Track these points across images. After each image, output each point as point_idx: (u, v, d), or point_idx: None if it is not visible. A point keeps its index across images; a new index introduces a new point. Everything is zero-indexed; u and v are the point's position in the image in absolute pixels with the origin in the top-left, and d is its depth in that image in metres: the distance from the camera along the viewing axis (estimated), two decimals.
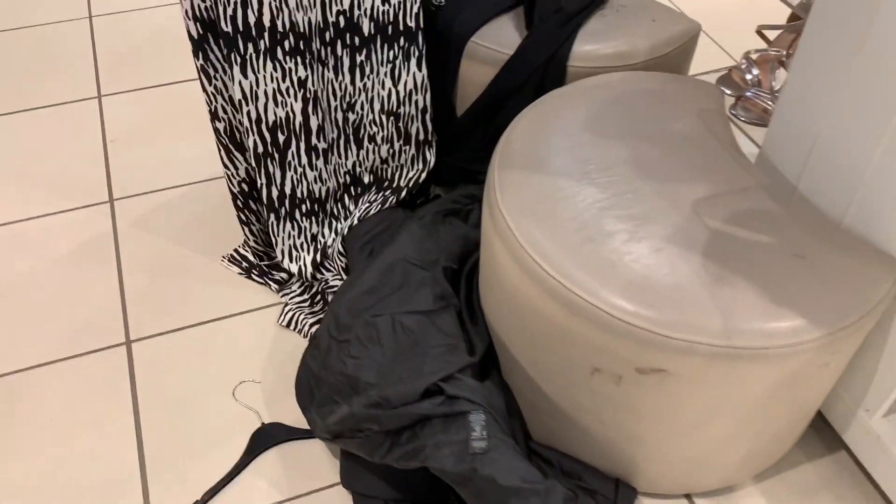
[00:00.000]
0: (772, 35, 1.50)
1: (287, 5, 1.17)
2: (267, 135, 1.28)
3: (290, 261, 1.45)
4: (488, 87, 1.40)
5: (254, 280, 1.54)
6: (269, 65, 1.21)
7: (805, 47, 1.06)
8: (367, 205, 1.43)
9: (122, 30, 2.18)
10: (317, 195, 1.39)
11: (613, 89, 1.26)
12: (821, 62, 1.03)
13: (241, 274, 1.55)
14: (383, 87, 1.35)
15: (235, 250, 1.58)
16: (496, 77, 1.38)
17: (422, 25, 1.31)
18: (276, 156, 1.31)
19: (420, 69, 1.35)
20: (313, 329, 1.43)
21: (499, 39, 1.39)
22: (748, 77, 1.42)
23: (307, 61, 1.24)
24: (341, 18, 1.24)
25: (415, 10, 1.29)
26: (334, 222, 1.45)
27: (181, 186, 1.73)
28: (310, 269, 1.44)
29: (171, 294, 1.52)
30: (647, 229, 1.04)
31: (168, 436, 1.31)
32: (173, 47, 2.09)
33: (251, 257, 1.56)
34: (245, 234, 1.49)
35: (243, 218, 1.46)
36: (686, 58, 1.46)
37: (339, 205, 1.45)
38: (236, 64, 1.20)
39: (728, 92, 1.44)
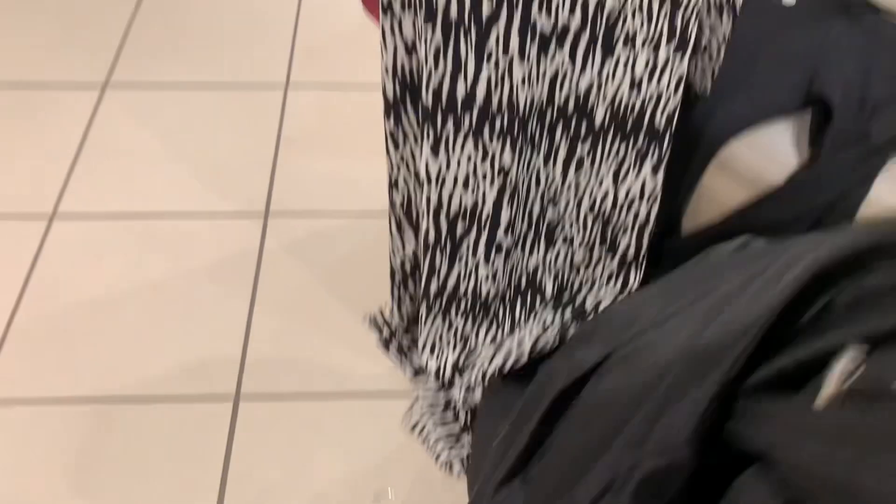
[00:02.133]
0: None
1: (510, 78, 0.89)
2: (444, 224, 1.03)
3: (431, 354, 1.20)
4: (737, 213, 1.05)
5: (389, 356, 1.31)
6: (469, 145, 0.95)
7: None
8: (542, 331, 1.14)
9: (329, 14, 2.00)
10: (482, 296, 1.12)
11: None
12: None
13: (378, 344, 1.33)
14: (600, 186, 1.05)
15: (381, 312, 1.35)
16: (754, 205, 1.03)
17: (673, 125, 0.99)
18: (448, 247, 1.05)
19: (655, 175, 1.03)
20: (444, 456, 1.18)
21: (768, 153, 1.03)
22: None
23: (517, 146, 0.96)
24: (570, 102, 0.95)
25: (671, 105, 0.97)
26: (494, 329, 1.17)
27: (343, 215, 1.53)
28: (449, 371, 1.19)
29: (299, 347, 1.32)
30: None
31: None
32: (374, 45, 1.87)
33: (395, 327, 1.32)
34: (392, 308, 1.26)
35: (395, 295, 1.22)
36: None
37: (506, 309, 1.17)
38: (427, 139, 0.94)
39: None
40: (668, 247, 1.17)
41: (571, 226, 1.10)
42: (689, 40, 0.90)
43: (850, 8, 1.22)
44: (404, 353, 1.29)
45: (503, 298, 1.15)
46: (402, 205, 1.10)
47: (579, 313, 1.13)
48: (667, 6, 0.87)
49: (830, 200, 0.99)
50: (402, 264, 1.17)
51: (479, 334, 1.18)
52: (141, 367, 1.29)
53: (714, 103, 1.08)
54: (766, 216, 1.03)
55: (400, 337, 1.30)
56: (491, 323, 1.17)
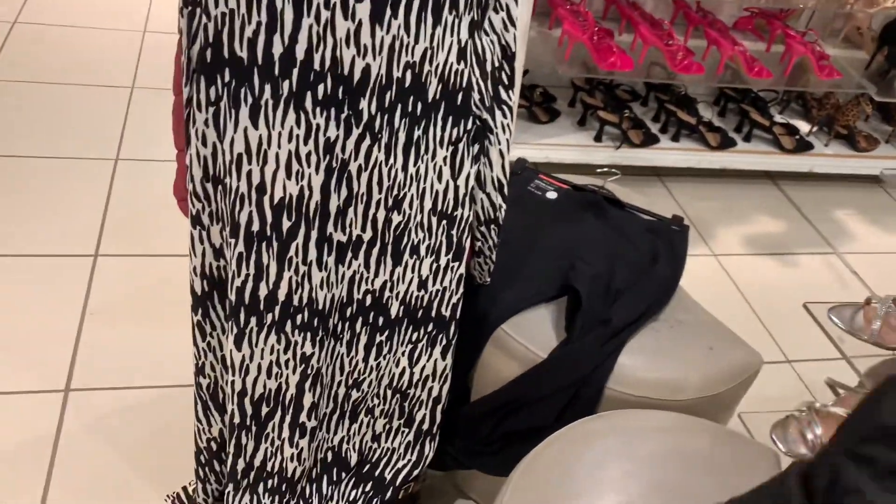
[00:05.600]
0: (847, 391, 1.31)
1: (309, 281, 1.00)
2: (248, 407, 1.09)
3: None
4: (509, 385, 1.21)
5: None
6: (273, 338, 1.04)
7: None
8: None
9: (143, 180, 2.06)
10: (289, 474, 1.17)
11: (654, 440, 1.06)
12: None
13: None
14: (397, 366, 1.16)
15: (184, 489, 1.35)
16: (520, 379, 1.20)
17: (457, 315, 1.13)
18: (254, 428, 1.11)
19: (444, 358, 1.16)
20: None
21: (532, 335, 1.21)
22: (809, 436, 1.21)
23: (318, 338, 1.06)
24: (368, 297, 1.07)
25: (454, 300, 1.11)
26: None
27: (149, 388, 1.53)
28: None
29: None
30: None
31: None
32: (180, 222, 1.95)
33: (200, 502, 1.33)
34: (198, 489, 1.27)
35: (201, 475, 1.24)
36: (741, 392, 1.27)
37: (314, 487, 1.23)
38: (231, 333, 1.02)
39: (782, 448, 1.23)
40: (461, 413, 1.30)
41: (372, 398, 1.20)
42: (464, 250, 1.07)
43: (599, 204, 1.48)
44: None
45: (309, 476, 1.21)
46: (208, 388, 1.15)
47: (379, 486, 1.21)
48: (444, 224, 1.03)
49: (584, 374, 1.17)
50: (209, 444, 1.20)
51: None
52: None
53: (493, 292, 1.25)
54: (532, 388, 1.19)
55: None
56: (298, 501, 1.21)
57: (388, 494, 1.21)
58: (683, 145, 2.43)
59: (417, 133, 0.94)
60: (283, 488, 1.19)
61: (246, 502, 1.19)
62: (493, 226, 1.10)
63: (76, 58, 2.50)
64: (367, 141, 0.92)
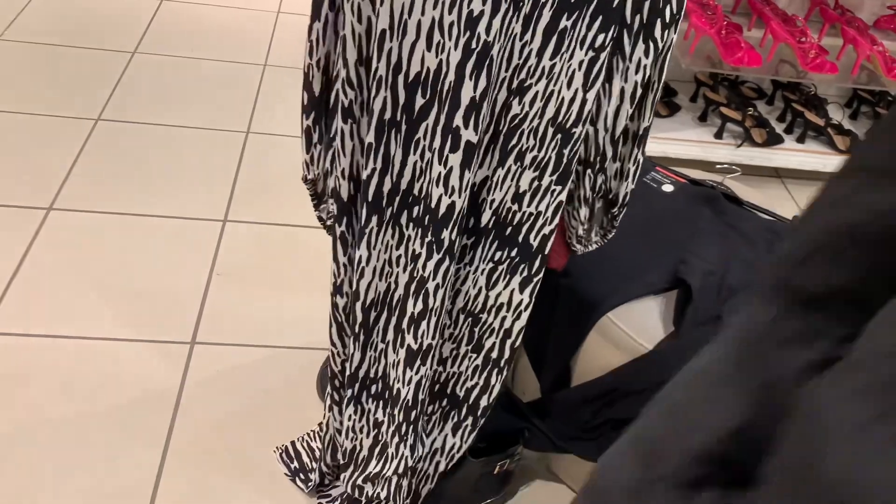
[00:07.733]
0: None
1: (431, 171, 0.96)
2: (359, 314, 1.11)
3: (346, 438, 1.25)
4: (612, 374, 1.22)
5: (297, 485, 1.38)
6: (388, 232, 1.03)
7: None
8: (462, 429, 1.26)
9: (271, 152, 2.17)
10: (390, 382, 1.19)
11: None
12: None
13: (286, 475, 1.40)
14: (474, 286, 1.13)
15: (293, 443, 1.44)
16: (624, 369, 1.20)
17: (545, 251, 1.07)
18: (362, 337, 1.14)
19: (521, 292, 1.11)
20: None
21: (639, 326, 1.21)
22: None
23: (428, 241, 1.03)
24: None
25: (545, 230, 1.05)
26: (411, 437, 1.23)
27: (268, 347, 1.63)
28: (366, 452, 1.25)
29: (209, 483, 1.38)
30: None
31: None
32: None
33: (305, 457, 1.40)
34: (332, 416, 1.29)
35: (336, 398, 1.27)
36: None
37: (425, 419, 1.25)
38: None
39: None
40: (561, 397, 1.32)
41: (444, 324, 1.16)
42: (570, 174, 0.99)
43: (716, 200, 1.46)
44: (319, 483, 1.37)
45: (422, 405, 1.22)
46: (344, 309, 1.16)
47: (472, 412, 1.23)
48: (558, 138, 0.96)
49: None
50: (343, 367, 1.22)
51: (399, 448, 1.24)
52: (52, 497, 1.33)
53: (601, 279, 1.26)
54: (635, 379, 1.19)
55: (309, 468, 1.38)
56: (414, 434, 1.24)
57: (480, 424, 1.23)
58: (809, 147, 2.33)
59: (565, 23, 0.86)
60: (387, 396, 1.20)
61: (350, 413, 1.22)
62: (589, 170, 1.02)
63: (214, 35, 2.66)
64: (511, 13, 0.85)
